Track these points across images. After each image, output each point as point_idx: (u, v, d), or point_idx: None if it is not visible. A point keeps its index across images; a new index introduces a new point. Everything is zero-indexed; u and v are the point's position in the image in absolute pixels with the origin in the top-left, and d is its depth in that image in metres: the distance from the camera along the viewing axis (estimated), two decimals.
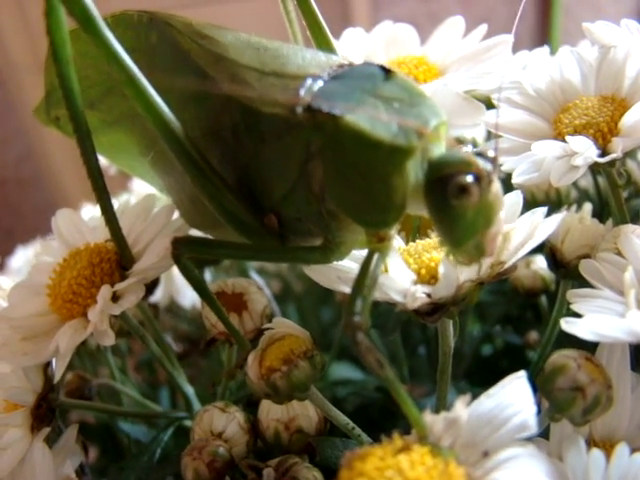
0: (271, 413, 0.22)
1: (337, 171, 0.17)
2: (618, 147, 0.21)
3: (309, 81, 0.18)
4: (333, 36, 0.30)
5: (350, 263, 0.21)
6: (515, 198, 0.21)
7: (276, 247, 0.21)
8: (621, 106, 0.23)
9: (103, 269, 0.22)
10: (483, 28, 0.28)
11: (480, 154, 0.16)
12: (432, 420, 0.15)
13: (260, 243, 0.21)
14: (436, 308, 0.18)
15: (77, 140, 0.20)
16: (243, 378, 0.21)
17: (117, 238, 0.22)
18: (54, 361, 0.21)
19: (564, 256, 0.24)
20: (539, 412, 0.18)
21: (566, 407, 0.17)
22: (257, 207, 0.20)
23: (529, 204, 0.31)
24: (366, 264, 0.18)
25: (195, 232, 0.24)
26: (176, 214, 0.23)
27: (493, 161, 0.16)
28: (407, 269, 0.19)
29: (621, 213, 0.24)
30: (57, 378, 0.20)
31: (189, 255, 0.20)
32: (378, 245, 0.18)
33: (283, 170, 0.19)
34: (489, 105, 0.25)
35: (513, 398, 0.15)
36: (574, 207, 0.26)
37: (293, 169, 0.19)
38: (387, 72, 0.18)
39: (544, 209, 0.19)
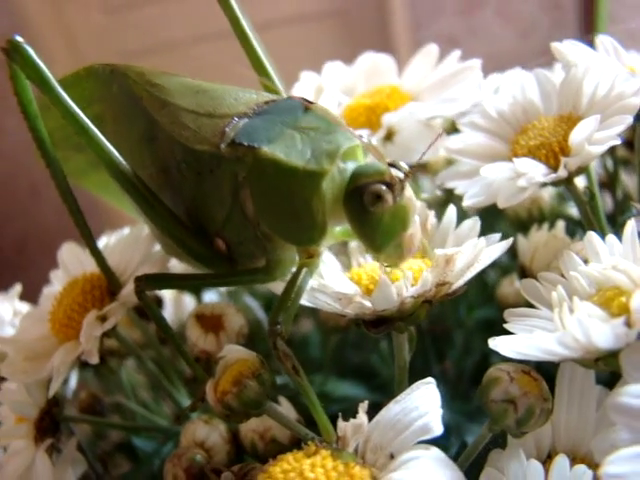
0: (248, 424, 0.23)
1: (263, 197, 0.20)
2: (565, 166, 0.21)
3: (235, 120, 0.20)
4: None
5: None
6: (472, 224, 0.21)
7: (226, 271, 0.23)
8: (575, 125, 0.23)
9: (94, 296, 0.24)
10: (456, 54, 0.29)
11: (392, 165, 0.18)
12: (341, 426, 0.17)
13: (214, 269, 0.23)
14: (381, 320, 0.20)
15: (55, 184, 0.23)
16: None
17: (102, 267, 0.25)
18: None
19: (533, 274, 0.24)
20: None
21: (500, 419, 0.18)
22: (205, 234, 0.22)
23: (512, 222, 0.32)
24: (293, 279, 0.20)
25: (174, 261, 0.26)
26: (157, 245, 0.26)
27: (405, 172, 0.18)
28: (347, 278, 0.20)
29: (591, 230, 0.24)
30: (51, 394, 0.22)
31: (150, 289, 0.22)
32: (307, 261, 0.20)
33: (219, 199, 0.21)
34: (455, 130, 0.26)
35: (418, 402, 0.16)
36: (546, 225, 0.27)
37: (227, 198, 0.21)
38: (307, 105, 0.20)
39: (498, 235, 0.20)
